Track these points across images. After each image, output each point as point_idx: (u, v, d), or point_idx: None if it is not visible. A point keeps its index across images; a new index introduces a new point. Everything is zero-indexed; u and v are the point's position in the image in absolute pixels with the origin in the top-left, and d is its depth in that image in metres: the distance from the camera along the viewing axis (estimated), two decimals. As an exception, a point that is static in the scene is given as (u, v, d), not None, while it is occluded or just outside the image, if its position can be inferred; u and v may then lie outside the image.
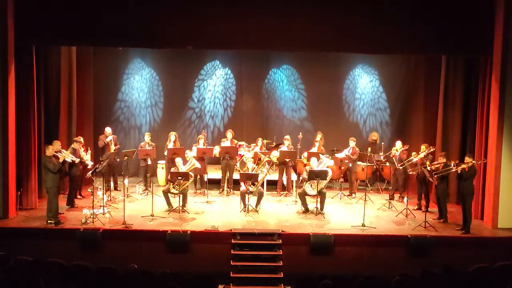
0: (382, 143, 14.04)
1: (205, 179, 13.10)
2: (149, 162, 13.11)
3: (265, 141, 14.10)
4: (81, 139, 12.09)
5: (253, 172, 11.96)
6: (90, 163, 12.05)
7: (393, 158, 12.48)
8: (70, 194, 12.00)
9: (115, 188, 13.13)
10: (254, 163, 12.51)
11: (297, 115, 15.57)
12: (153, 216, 11.18)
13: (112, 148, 12.79)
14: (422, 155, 11.90)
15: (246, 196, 11.62)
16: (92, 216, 10.87)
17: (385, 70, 15.38)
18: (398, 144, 12.79)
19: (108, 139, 12.85)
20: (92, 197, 11.16)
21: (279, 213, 11.92)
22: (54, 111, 12.98)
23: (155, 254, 10.29)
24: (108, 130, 13.07)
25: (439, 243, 10.38)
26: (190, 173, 11.74)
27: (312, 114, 15.53)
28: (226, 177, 13.22)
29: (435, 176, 11.04)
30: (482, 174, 11.71)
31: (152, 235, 10.47)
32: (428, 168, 11.17)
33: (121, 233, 10.47)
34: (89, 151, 12.26)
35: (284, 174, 13.26)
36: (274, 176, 13.58)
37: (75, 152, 11.70)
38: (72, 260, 7.85)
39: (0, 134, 11.03)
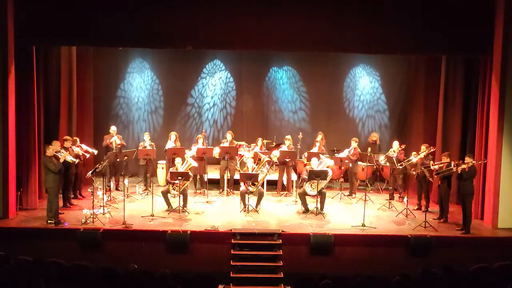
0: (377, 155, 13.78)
1: (205, 179, 13.10)
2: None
3: (265, 141, 14.10)
4: (69, 137, 12.05)
5: (253, 172, 11.97)
6: (90, 151, 12.46)
7: (393, 158, 12.48)
8: (64, 193, 11.95)
9: (117, 188, 13.14)
10: (254, 163, 12.50)
11: (297, 115, 15.57)
12: (153, 216, 11.19)
13: (116, 142, 12.86)
14: (422, 155, 11.89)
15: (246, 196, 11.62)
16: (92, 216, 10.87)
17: (385, 70, 15.38)
18: (395, 144, 12.79)
19: (112, 139, 12.89)
20: (92, 197, 11.16)
21: (279, 213, 11.91)
22: (54, 111, 12.98)
23: (155, 254, 10.29)
24: (113, 128, 13.12)
25: (439, 243, 10.39)
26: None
27: (312, 114, 15.53)
28: (226, 177, 13.22)
29: (437, 176, 11.03)
30: (482, 174, 11.70)
31: (152, 235, 10.47)
32: (432, 167, 11.17)
33: (121, 233, 10.47)
34: (81, 146, 12.34)
35: (284, 174, 13.27)
36: (274, 176, 13.58)
37: (68, 151, 11.65)
38: (72, 260, 7.82)
39: (0, 134, 11.02)
